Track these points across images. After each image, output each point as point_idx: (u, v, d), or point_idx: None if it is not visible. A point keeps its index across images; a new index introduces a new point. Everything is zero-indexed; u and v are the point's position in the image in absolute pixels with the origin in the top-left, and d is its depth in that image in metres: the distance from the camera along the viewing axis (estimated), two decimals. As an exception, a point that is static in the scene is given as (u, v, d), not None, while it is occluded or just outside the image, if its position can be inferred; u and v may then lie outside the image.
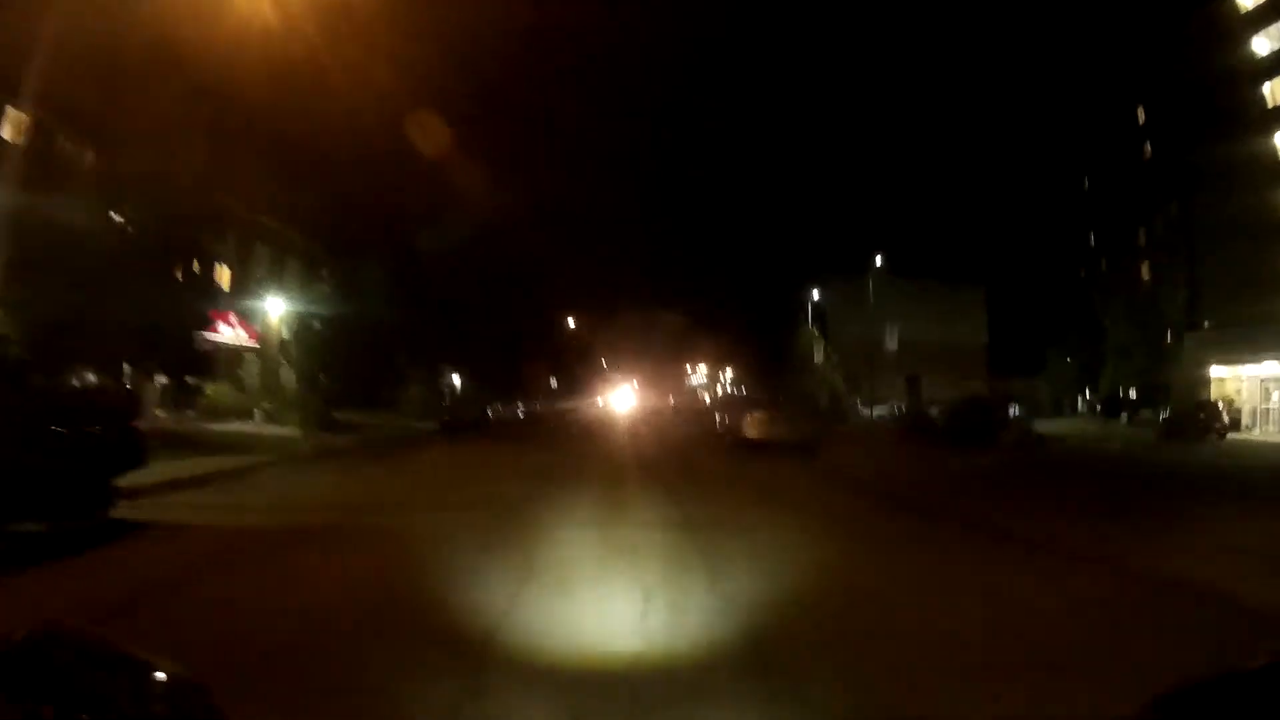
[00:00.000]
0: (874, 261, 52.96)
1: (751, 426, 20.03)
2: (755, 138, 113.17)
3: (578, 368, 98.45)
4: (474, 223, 43.40)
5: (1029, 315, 57.39)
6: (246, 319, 26.41)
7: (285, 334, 27.16)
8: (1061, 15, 56.20)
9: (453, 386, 54.64)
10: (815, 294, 58.46)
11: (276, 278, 30.70)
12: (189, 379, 23.16)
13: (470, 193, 42.38)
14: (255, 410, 23.50)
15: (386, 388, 35.67)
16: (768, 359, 63.74)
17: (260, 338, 25.74)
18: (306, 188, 28.14)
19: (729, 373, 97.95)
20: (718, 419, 25.79)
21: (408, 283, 36.02)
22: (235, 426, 22.25)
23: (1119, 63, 46.60)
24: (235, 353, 27.90)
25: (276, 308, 27.47)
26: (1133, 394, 43.94)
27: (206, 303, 24.37)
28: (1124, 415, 41.51)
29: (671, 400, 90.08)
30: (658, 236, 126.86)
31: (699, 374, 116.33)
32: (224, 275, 29.97)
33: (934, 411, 35.56)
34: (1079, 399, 49.88)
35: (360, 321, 30.04)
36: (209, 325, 23.47)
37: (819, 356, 54.29)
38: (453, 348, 45.38)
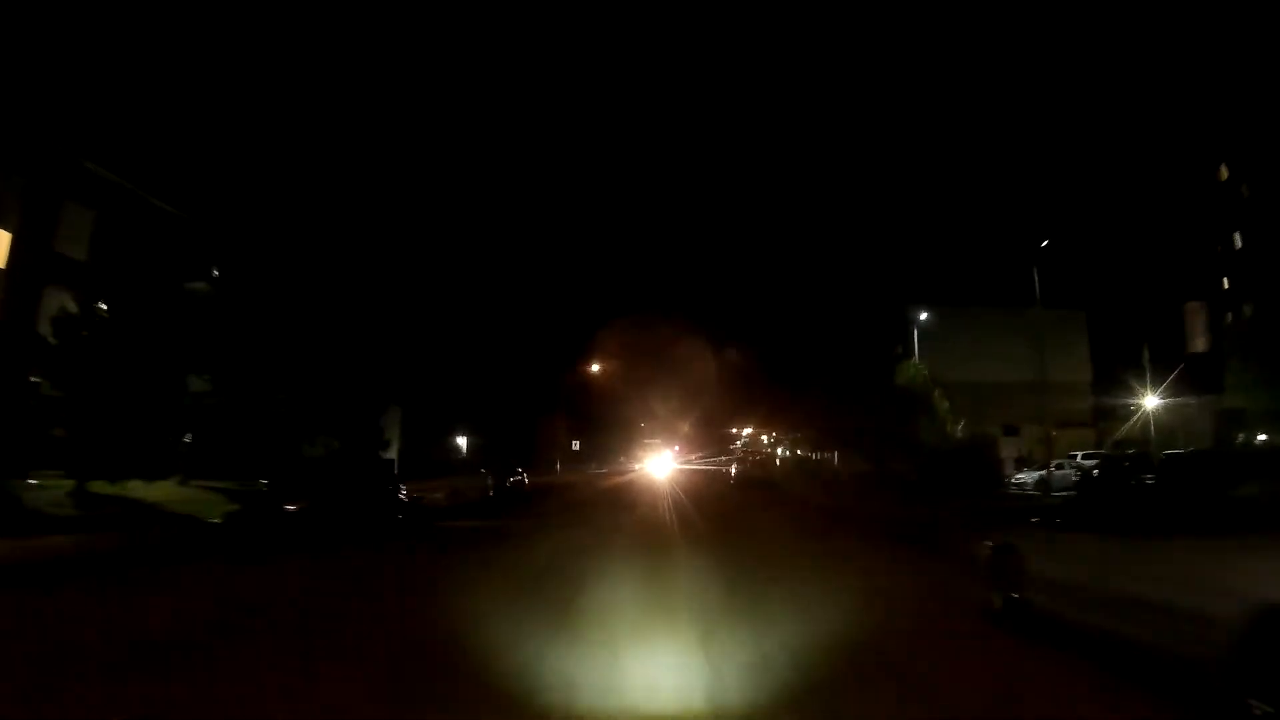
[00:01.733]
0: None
1: None
2: (816, 148, 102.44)
3: (605, 427, 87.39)
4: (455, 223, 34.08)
5: (1142, 342, 45.17)
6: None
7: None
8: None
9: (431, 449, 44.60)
10: (923, 315, 46.48)
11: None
12: None
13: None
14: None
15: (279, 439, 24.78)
16: (848, 407, 44.80)
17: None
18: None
19: (774, 433, 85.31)
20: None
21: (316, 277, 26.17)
22: None
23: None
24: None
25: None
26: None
27: None
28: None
29: (734, 469, 65.96)
30: (700, 268, 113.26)
31: (745, 437, 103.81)
32: None
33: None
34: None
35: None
36: None
37: (936, 400, 40.45)
38: (405, 388, 35.28)
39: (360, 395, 28.02)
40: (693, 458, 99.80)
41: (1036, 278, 30.88)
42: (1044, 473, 30.65)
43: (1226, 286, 39.59)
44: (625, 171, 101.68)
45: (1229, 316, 39.13)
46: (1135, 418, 41.70)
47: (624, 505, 25.94)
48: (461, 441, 54.56)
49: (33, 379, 20.88)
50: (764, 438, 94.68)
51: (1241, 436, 34.67)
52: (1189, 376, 40.25)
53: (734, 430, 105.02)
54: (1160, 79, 47.71)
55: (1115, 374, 45.87)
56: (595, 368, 74.92)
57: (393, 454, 35.18)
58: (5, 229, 21.57)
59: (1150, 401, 41.74)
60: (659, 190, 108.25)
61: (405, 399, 37.03)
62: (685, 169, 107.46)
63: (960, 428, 40.49)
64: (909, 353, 45.71)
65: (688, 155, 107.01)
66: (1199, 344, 41.09)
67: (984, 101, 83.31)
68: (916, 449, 38.13)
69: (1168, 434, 40.44)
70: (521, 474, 34.12)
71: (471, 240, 40.90)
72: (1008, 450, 41.83)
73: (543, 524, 18.28)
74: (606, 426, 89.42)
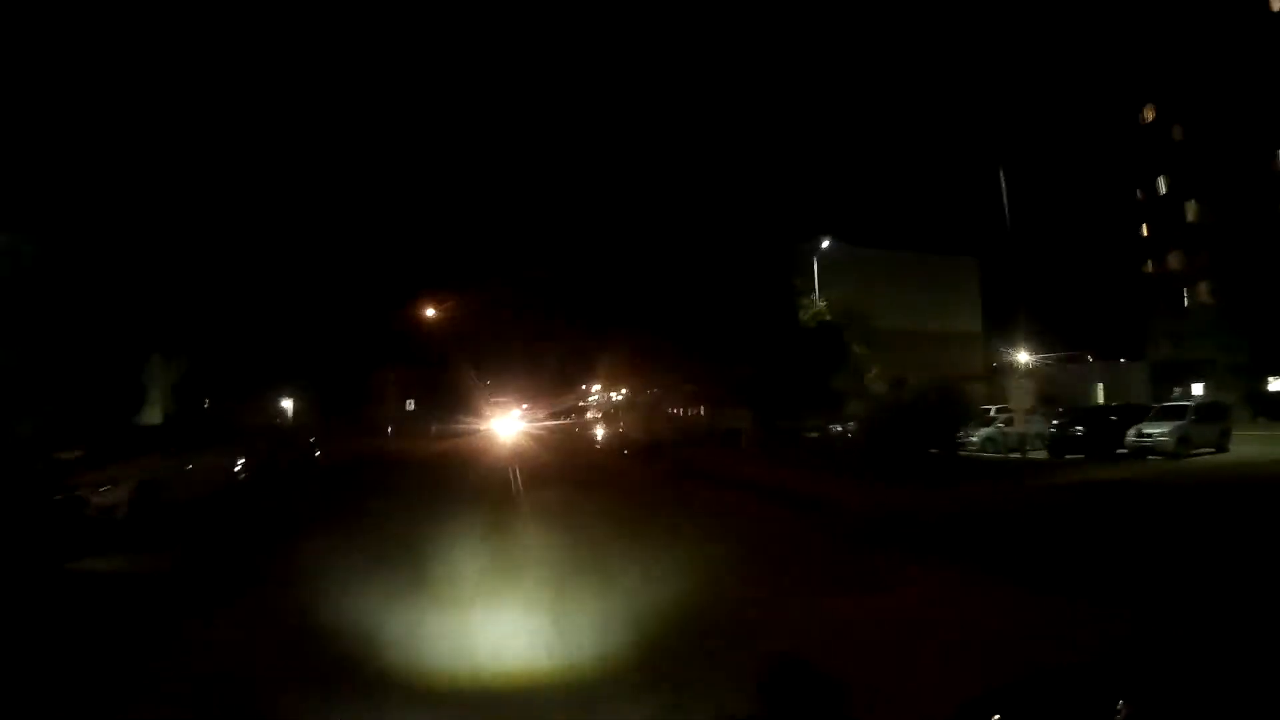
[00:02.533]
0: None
1: None
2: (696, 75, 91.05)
3: (445, 383, 77.58)
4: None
5: (1048, 292, 42.48)
6: None
7: None
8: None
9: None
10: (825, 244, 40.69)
11: None
12: None
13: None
14: None
15: None
16: (736, 353, 37.71)
17: None
18: None
19: (628, 389, 78.18)
20: None
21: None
22: None
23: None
24: None
25: None
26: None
27: None
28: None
29: (599, 430, 56.03)
30: (543, 192, 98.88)
31: (597, 393, 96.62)
32: None
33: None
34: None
35: None
36: None
37: (852, 344, 34.32)
38: (177, 335, 25.35)
39: (84, 344, 18.30)
40: (543, 415, 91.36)
41: (1005, 199, 25.27)
42: (1003, 429, 25.54)
43: (1145, 234, 36.59)
44: (451, 74, 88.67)
45: (1149, 265, 36.21)
46: (1027, 372, 38.71)
47: (449, 501, 15.76)
48: (288, 405, 45.27)
49: None
50: (614, 395, 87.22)
51: (1177, 390, 31.80)
52: (1104, 331, 37.52)
53: (586, 386, 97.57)
54: (1077, 8, 44.40)
55: (1011, 326, 42.55)
56: (432, 313, 64.23)
57: (156, 418, 25.41)
58: None
59: (1032, 357, 38.87)
60: (486, 95, 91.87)
61: (178, 349, 27.01)
62: (519, 58, 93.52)
63: (874, 376, 35.50)
64: (807, 289, 40.03)
65: (520, 38, 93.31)
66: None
67: (882, 18, 78.97)
68: (831, 402, 32.73)
69: (1073, 391, 37.66)
70: (270, 449, 20.25)
71: (275, 165, 30.59)
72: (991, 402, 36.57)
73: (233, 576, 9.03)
74: (448, 383, 79.82)
